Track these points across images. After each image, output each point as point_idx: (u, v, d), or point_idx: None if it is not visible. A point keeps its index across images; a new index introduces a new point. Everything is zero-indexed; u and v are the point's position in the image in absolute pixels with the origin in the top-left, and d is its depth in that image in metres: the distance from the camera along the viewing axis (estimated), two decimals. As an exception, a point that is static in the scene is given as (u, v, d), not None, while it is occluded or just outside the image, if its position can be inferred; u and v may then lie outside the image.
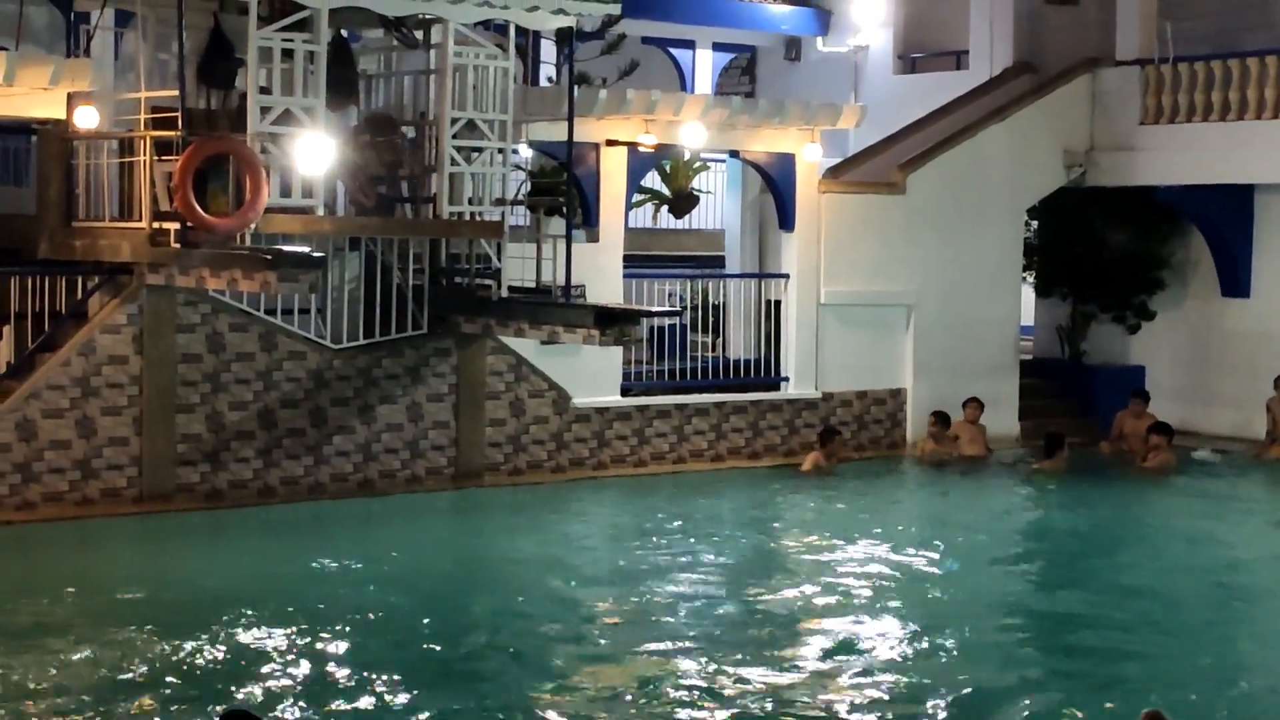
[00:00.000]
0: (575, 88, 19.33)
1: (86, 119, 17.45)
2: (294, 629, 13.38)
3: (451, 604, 14.79)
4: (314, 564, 15.81)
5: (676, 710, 11.65)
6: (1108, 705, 11.76)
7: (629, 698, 11.91)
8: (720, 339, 22.59)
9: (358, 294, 18.69)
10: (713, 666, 12.57)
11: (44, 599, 14.27)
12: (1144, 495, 20.43)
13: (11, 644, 12.83)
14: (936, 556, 16.65)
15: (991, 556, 17.14)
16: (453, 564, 16.46)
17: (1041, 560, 17.47)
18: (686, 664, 12.66)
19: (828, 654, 13.20)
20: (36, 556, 16.09)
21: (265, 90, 17.34)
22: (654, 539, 17.42)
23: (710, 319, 22.28)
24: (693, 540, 17.33)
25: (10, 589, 14.69)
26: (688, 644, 13.27)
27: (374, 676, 12.18)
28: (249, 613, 13.70)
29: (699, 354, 21.97)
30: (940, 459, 21.83)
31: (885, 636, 13.65)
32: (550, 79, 23.98)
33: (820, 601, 14.82)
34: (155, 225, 17.01)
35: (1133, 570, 16.39)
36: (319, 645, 12.99)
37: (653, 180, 24.20)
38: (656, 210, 25.33)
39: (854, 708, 11.81)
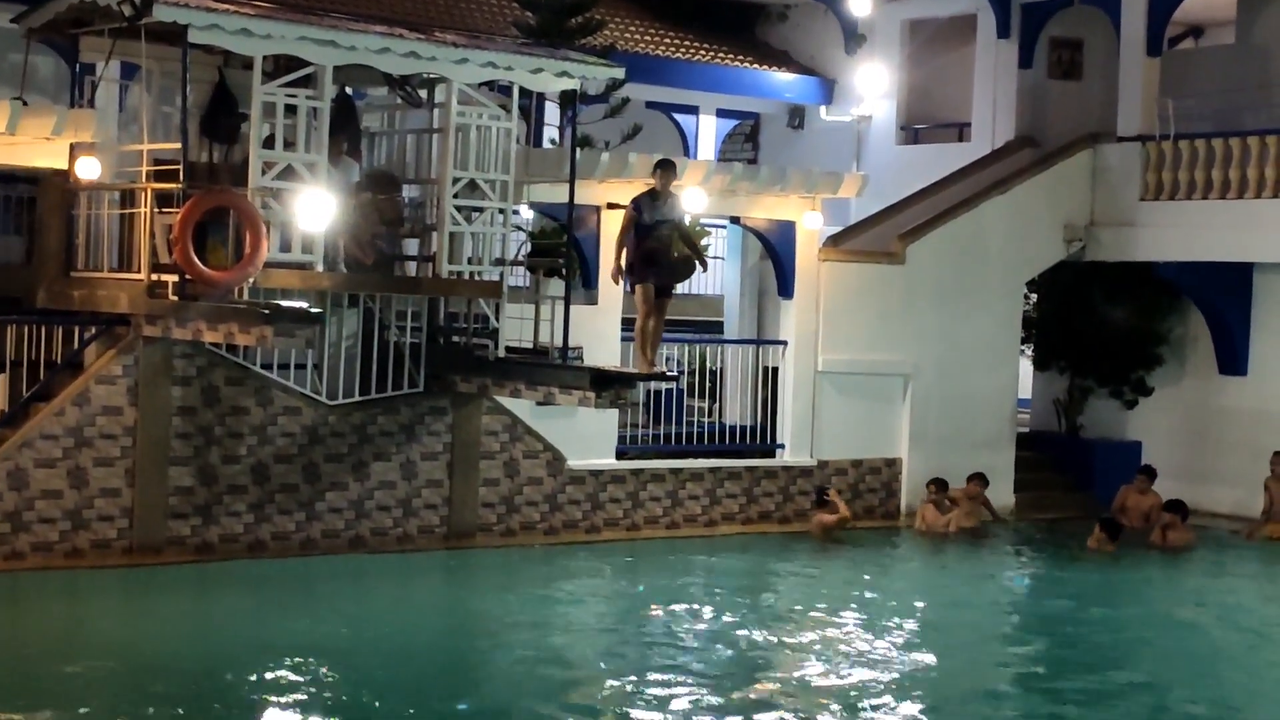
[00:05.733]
0: (578, 150, 19.37)
1: (88, 170, 17.49)
2: (278, 689, 13.28)
3: (437, 669, 14.63)
4: (301, 622, 15.71)
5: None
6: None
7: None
8: (717, 404, 22.56)
9: (354, 351, 18.67)
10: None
11: (28, 653, 14.16)
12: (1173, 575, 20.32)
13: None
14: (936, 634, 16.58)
15: (994, 634, 17.05)
16: (441, 627, 16.33)
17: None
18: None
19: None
20: (23, 607, 16.00)
21: (268, 145, 17.37)
22: (645, 606, 17.28)
23: (707, 384, 22.25)
24: (684, 608, 17.20)
25: (-4, 640, 14.62)
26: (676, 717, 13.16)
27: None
28: (233, 671, 13.61)
29: (695, 419, 21.94)
30: (941, 530, 21.77)
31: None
32: (553, 141, 24.06)
33: (812, 675, 14.71)
34: (154, 277, 17.01)
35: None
36: (302, 707, 12.89)
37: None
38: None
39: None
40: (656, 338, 17.96)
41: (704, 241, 23.61)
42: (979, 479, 22.37)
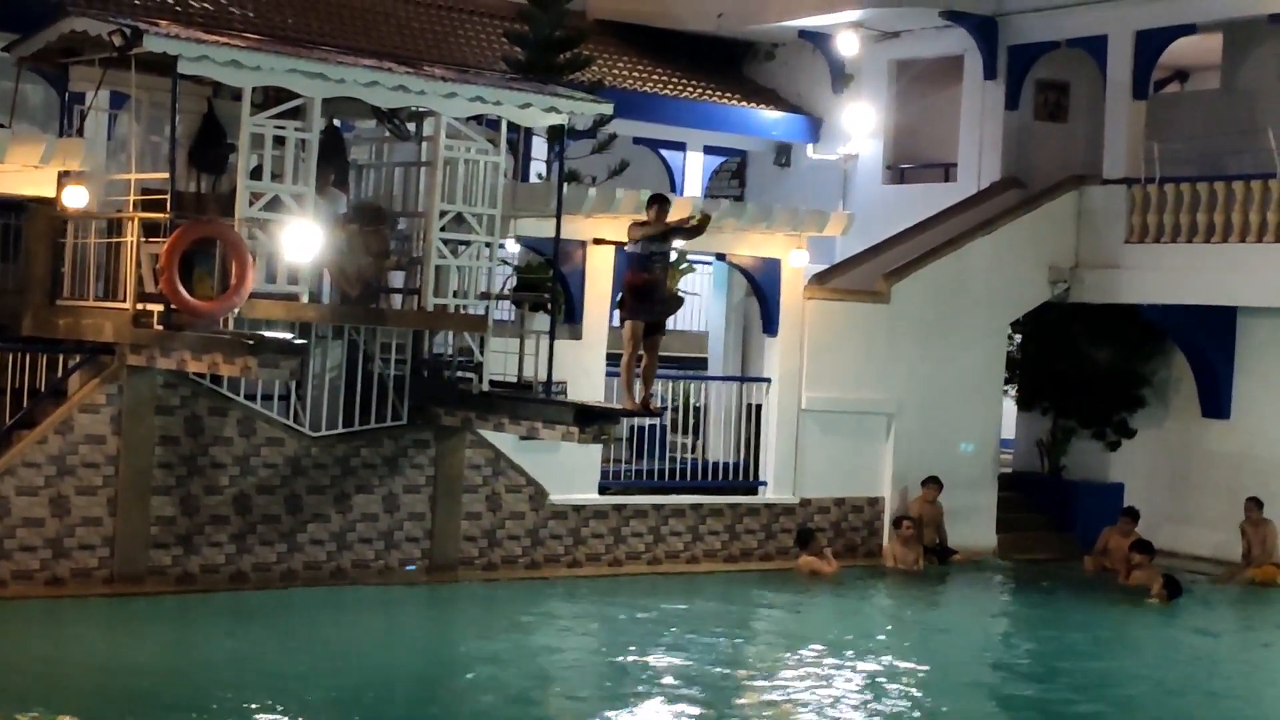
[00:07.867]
0: (564, 185, 19.41)
1: (75, 198, 17.49)
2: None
3: (417, 702, 14.59)
4: (281, 654, 15.66)
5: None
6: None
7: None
8: (700, 441, 22.57)
9: (338, 382, 18.66)
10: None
11: (5, 682, 14.10)
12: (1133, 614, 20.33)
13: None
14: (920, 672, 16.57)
15: (975, 676, 17.06)
16: (420, 660, 16.27)
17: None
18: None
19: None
20: (2, 635, 15.91)
21: (256, 176, 17.38)
22: (625, 642, 17.22)
23: (690, 420, 22.26)
24: (663, 644, 17.16)
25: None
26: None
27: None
28: (213, 702, 13.57)
29: (678, 455, 21.94)
30: (912, 566, 21.84)
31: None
32: (540, 175, 24.09)
33: (790, 715, 14.67)
34: (139, 306, 17.00)
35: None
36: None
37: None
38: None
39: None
40: (650, 374, 17.98)
41: (680, 281, 23.77)
42: (934, 483, 22.38)
